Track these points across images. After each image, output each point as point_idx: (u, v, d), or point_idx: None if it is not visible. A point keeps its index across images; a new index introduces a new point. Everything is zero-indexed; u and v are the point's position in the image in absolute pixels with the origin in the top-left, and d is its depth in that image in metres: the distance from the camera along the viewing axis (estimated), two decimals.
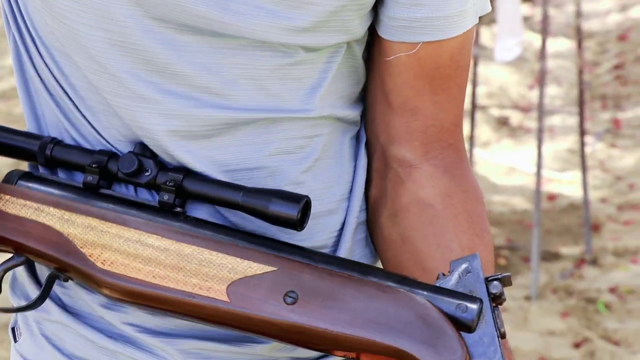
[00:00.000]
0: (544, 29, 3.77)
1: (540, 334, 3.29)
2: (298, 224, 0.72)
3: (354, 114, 0.92)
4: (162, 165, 0.77)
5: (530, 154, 4.38)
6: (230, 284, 0.70)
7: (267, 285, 0.70)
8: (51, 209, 0.77)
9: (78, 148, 0.80)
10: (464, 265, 0.67)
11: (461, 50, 0.88)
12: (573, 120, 4.95)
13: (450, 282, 0.68)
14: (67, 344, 0.96)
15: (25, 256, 0.79)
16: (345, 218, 0.91)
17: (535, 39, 4.37)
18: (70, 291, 0.95)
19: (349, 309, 0.68)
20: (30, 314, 1.02)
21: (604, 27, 7.72)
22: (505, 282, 0.66)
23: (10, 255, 0.80)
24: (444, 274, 0.69)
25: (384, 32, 0.84)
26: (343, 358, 0.73)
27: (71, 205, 0.76)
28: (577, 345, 3.20)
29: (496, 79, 6.12)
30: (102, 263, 0.73)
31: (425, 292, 0.68)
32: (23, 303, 0.88)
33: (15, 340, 1.02)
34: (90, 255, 0.74)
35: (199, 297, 0.71)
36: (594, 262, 3.78)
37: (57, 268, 0.77)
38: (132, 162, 0.76)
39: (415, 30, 0.82)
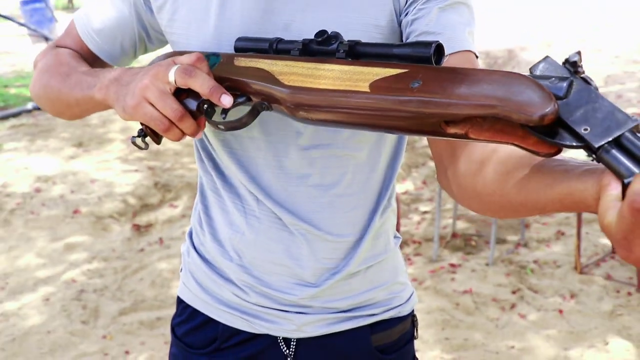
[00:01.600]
0: None
1: (493, 286, 3.66)
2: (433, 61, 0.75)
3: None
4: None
5: None
6: (372, 82, 0.76)
7: (399, 79, 0.75)
8: (262, 60, 0.88)
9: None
10: (541, 65, 0.70)
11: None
12: None
13: (538, 73, 0.69)
14: (199, 277, 1.13)
15: (247, 95, 0.89)
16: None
17: None
18: (206, 247, 1.12)
19: (464, 84, 0.69)
20: (185, 258, 1.18)
21: None
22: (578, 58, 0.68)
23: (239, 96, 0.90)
24: (531, 71, 0.70)
25: None
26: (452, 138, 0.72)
27: (274, 56, 0.89)
28: (514, 292, 3.59)
29: None
30: (288, 82, 0.83)
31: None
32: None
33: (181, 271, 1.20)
34: (282, 79, 0.83)
35: (349, 92, 0.77)
36: (525, 245, 4.25)
37: (263, 98, 0.87)
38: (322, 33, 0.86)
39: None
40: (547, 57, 0.70)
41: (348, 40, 0.83)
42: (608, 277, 3.78)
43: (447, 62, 0.88)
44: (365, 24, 0.96)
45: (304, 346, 1.07)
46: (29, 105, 8.09)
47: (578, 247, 3.86)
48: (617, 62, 11.29)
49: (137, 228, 4.75)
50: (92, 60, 1.09)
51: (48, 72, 1.04)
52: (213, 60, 0.91)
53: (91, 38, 1.07)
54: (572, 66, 0.67)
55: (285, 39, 0.90)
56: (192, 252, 1.15)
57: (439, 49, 0.76)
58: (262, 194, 1.03)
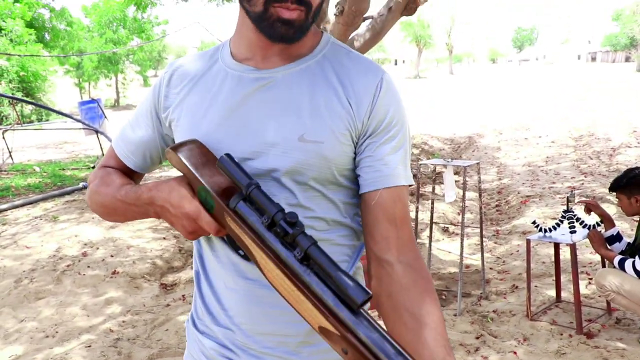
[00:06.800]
0: (464, 187, 4.11)
1: (460, 332, 3.58)
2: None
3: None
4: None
5: (458, 246, 4.49)
6: (319, 325, 0.72)
7: (335, 339, 0.71)
8: (246, 237, 0.81)
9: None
10: None
11: (404, 197, 0.97)
12: (477, 230, 5.39)
13: None
14: (198, 346, 1.08)
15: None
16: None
17: (460, 192, 4.26)
18: (202, 320, 1.07)
19: None
20: (187, 330, 1.12)
21: (491, 186, 8.20)
22: None
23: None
24: None
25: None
26: None
27: (256, 242, 0.81)
28: (477, 338, 3.51)
29: (442, 209, 6.61)
30: (263, 268, 0.80)
31: None
32: None
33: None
34: (259, 264, 0.81)
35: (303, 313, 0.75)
36: (486, 297, 4.22)
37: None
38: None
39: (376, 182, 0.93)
40: None
41: (308, 236, 0.77)
42: (553, 322, 3.74)
43: (380, 195, 0.94)
44: (325, 127, 0.94)
45: None
46: (80, 185, 8.17)
47: (529, 298, 3.82)
48: (554, 146, 11.46)
49: (164, 287, 4.72)
50: (130, 173, 1.13)
51: (98, 192, 1.08)
52: (210, 203, 0.89)
53: (127, 157, 1.11)
54: None
55: (263, 189, 0.85)
56: (190, 324, 1.12)
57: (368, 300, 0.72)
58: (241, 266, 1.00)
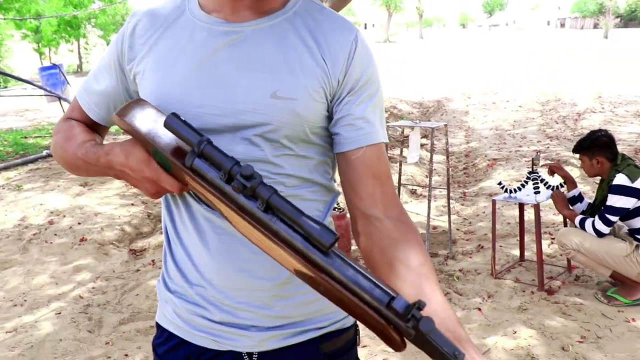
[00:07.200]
0: (431, 149, 4.18)
1: None
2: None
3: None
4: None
5: (425, 208, 4.52)
6: (295, 269, 0.75)
7: (311, 279, 0.73)
8: (207, 193, 0.81)
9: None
10: None
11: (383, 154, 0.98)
12: (445, 192, 5.35)
13: None
14: (171, 306, 1.08)
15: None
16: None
17: (427, 154, 4.27)
18: (172, 279, 1.07)
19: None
20: (158, 290, 1.12)
21: (459, 149, 8.29)
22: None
23: None
24: None
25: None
26: None
27: (216, 195, 0.80)
28: (444, 295, 4.15)
29: (411, 172, 6.59)
30: (227, 216, 0.81)
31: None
32: None
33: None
34: (224, 214, 0.81)
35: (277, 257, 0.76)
36: (453, 257, 4.33)
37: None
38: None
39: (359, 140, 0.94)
40: None
41: (267, 186, 0.77)
42: (517, 280, 3.87)
43: (364, 153, 0.94)
44: (299, 85, 0.93)
45: (265, 357, 1.02)
46: (44, 153, 8.03)
47: (493, 257, 3.94)
48: (521, 110, 11.64)
49: (133, 252, 4.71)
50: (94, 126, 1.10)
51: (62, 147, 1.06)
52: (168, 163, 0.88)
53: (90, 109, 1.09)
54: None
55: (215, 144, 0.82)
56: (162, 285, 1.10)
57: (336, 241, 0.72)
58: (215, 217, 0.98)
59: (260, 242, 0.76)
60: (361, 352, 3.02)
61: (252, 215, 0.77)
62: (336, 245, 0.73)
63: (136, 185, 0.91)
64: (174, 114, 0.84)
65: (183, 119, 0.83)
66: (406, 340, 0.68)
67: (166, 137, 0.87)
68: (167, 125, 0.83)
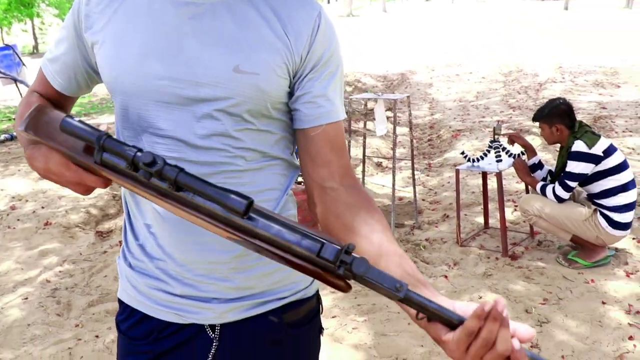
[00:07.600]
0: (395, 122, 4.18)
1: None
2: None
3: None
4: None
5: (391, 179, 4.46)
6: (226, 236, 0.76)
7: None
8: (126, 184, 0.81)
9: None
10: None
11: (341, 130, 1.01)
12: (409, 164, 5.54)
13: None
14: (132, 282, 1.08)
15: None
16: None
17: (391, 127, 4.32)
18: (133, 254, 1.07)
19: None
20: (119, 267, 1.12)
21: (423, 121, 8.42)
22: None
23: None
24: None
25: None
26: None
27: (132, 184, 0.80)
28: None
29: (376, 145, 6.74)
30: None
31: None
32: None
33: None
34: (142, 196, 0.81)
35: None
36: (419, 227, 4.41)
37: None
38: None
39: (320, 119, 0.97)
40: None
41: (172, 166, 0.77)
42: (481, 247, 3.98)
43: (324, 130, 0.97)
44: (261, 60, 0.92)
45: (227, 329, 1.04)
46: (2, 137, 7.81)
47: (458, 226, 4.04)
48: (484, 81, 11.78)
49: (100, 234, 4.68)
50: (59, 96, 1.09)
51: (18, 123, 1.04)
52: None
53: (53, 78, 1.07)
54: None
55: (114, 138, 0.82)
56: (122, 261, 1.10)
57: (250, 205, 0.73)
58: None
59: (189, 218, 0.78)
60: (330, 322, 3.08)
61: (170, 195, 0.78)
62: (254, 207, 0.75)
63: (64, 186, 0.90)
64: (68, 116, 0.83)
65: (77, 118, 0.83)
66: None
67: (72, 140, 0.86)
68: (62, 129, 0.82)
